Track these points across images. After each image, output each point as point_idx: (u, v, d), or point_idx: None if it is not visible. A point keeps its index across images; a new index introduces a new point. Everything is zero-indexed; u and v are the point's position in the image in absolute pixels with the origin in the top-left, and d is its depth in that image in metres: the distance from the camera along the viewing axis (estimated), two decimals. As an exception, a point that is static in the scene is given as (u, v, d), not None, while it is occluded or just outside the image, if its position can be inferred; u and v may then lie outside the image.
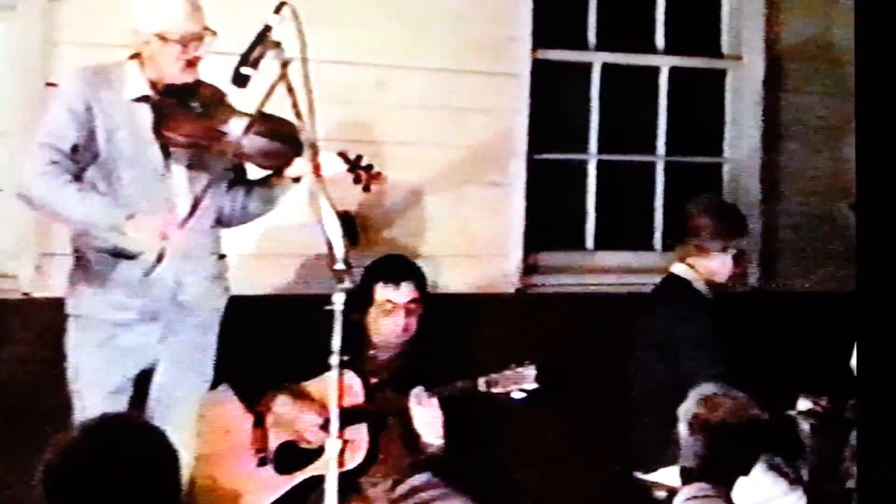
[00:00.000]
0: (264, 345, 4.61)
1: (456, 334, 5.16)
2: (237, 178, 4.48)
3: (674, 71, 6.15)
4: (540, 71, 5.75)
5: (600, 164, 6.06)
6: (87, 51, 4.65)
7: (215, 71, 4.21)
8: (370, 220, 5.32)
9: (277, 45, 3.74)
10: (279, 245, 5.14)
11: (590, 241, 6.05)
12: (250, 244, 5.03)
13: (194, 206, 4.14)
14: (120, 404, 4.27)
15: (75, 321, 4.33)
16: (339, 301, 3.59)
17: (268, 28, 3.75)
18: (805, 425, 4.94)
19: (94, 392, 4.27)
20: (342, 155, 4.48)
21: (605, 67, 6.01)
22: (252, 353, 4.60)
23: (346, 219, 3.83)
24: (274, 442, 4.57)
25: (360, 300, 4.62)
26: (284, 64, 3.74)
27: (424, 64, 5.44)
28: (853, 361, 4.62)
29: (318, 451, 4.40)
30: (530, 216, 5.70)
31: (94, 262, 4.28)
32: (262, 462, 4.54)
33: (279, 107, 3.82)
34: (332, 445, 3.62)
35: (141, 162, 4.25)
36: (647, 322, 5.12)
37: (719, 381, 4.07)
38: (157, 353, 4.37)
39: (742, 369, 4.63)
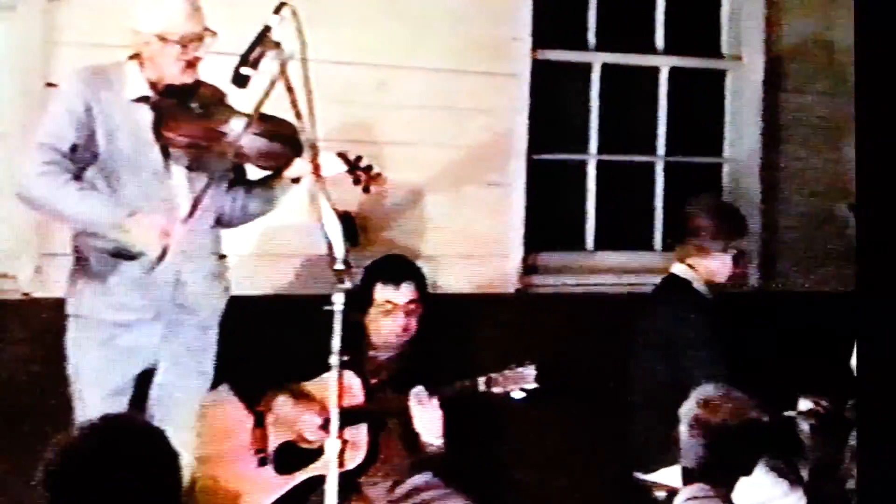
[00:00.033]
0: (264, 345, 4.60)
1: (456, 335, 5.16)
2: (237, 179, 4.48)
3: (674, 71, 6.15)
4: (540, 71, 5.75)
5: (600, 165, 6.06)
6: (87, 51, 4.64)
7: (215, 71, 4.21)
8: (370, 221, 5.32)
9: (277, 45, 3.74)
10: (279, 245, 5.14)
11: (590, 242, 6.05)
12: (250, 244, 5.03)
13: (194, 207, 4.14)
14: (120, 404, 4.27)
15: (75, 321, 4.33)
16: (338, 301, 3.59)
17: (267, 28, 3.75)
18: (805, 426, 4.95)
19: (94, 392, 4.27)
20: (342, 155, 4.48)
21: (605, 68, 6.01)
22: (252, 353, 4.60)
23: (346, 219, 3.82)
24: (274, 442, 4.57)
25: (359, 300, 4.62)
26: (284, 64, 3.74)
27: (424, 64, 5.44)
28: (853, 361, 4.63)
29: (318, 452, 4.40)
30: (530, 216, 5.70)
31: (94, 262, 4.28)
32: (261, 462, 4.54)
33: (279, 107, 3.82)
34: (332, 446, 3.62)
35: (141, 162, 4.25)
36: (646, 322, 5.12)
37: (719, 381, 4.07)
38: (158, 353, 4.37)
39: (742, 369, 4.63)
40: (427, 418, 4.52)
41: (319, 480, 3.92)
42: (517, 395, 4.55)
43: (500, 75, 5.62)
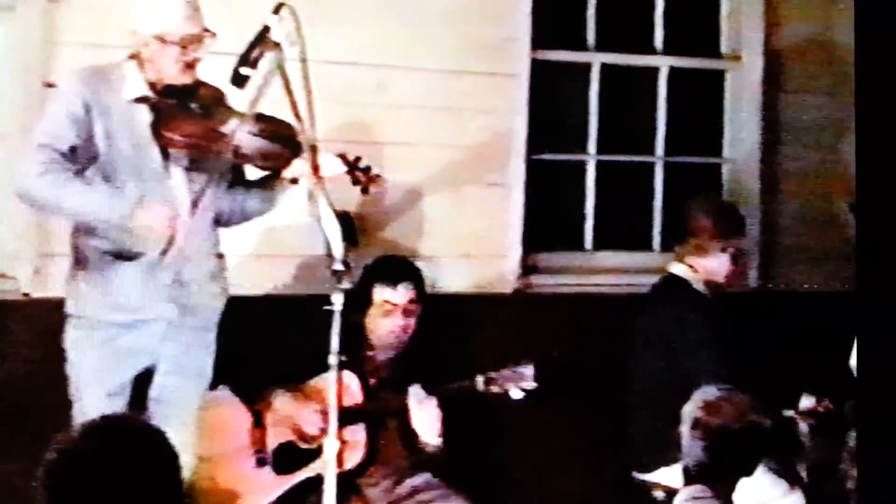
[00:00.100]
0: (263, 345, 4.61)
1: (455, 335, 5.16)
2: (236, 179, 4.48)
3: (673, 71, 6.15)
4: (539, 71, 5.75)
5: (599, 165, 6.05)
6: (87, 51, 4.64)
7: (215, 72, 4.20)
8: (369, 221, 5.32)
9: (276, 45, 3.74)
10: (278, 245, 5.14)
11: (589, 242, 6.05)
12: (249, 244, 5.03)
13: (193, 207, 4.13)
14: (120, 405, 4.27)
15: (75, 322, 4.33)
16: (337, 301, 3.58)
17: (267, 28, 3.75)
18: (804, 426, 4.95)
19: (93, 392, 4.27)
20: (341, 156, 4.49)
21: (604, 68, 6.01)
22: (251, 353, 4.60)
23: (345, 219, 3.82)
24: (273, 442, 4.57)
25: (358, 301, 4.62)
26: (282, 64, 3.74)
27: (423, 64, 5.44)
28: (852, 361, 4.63)
29: (317, 452, 4.39)
30: (529, 216, 5.70)
31: (93, 262, 4.28)
32: (260, 462, 4.54)
33: (278, 108, 3.81)
34: (331, 446, 3.62)
35: (140, 163, 4.24)
36: (645, 322, 5.12)
37: (719, 381, 4.07)
38: (157, 353, 4.37)
39: (742, 369, 4.63)
40: (426, 418, 4.52)
41: (318, 481, 3.90)
42: (515, 394, 4.56)
43: (500, 75, 5.62)
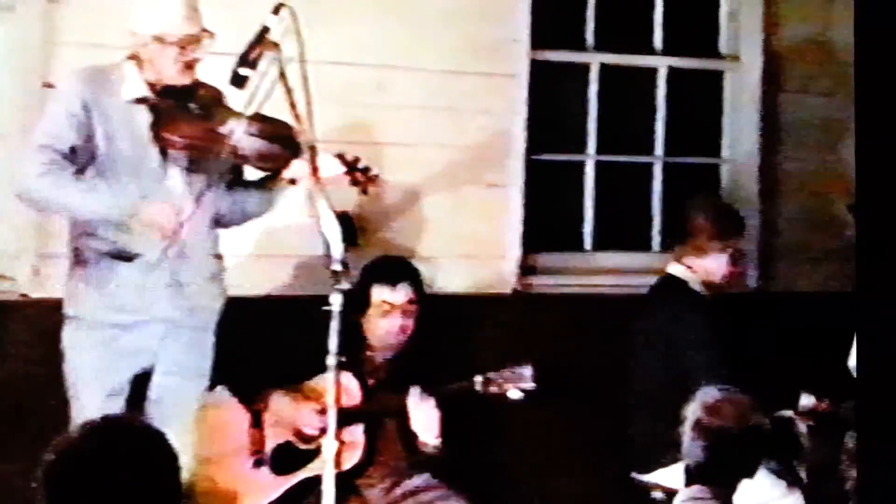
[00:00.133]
0: (262, 346, 4.60)
1: (453, 335, 5.16)
2: (235, 179, 4.48)
3: (672, 72, 6.15)
4: (538, 72, 5.75)
5: (598, 165, 6.05)
6: (86, 52, 4.64)
7: (214, 72, 4.20)
8: (368, 221, 5.32)
9: (275, 45, 3.74)
10: (277, 246, 5.14)
11: (588, 242, 6.05)
12: (248, 245, 5.03)
13: (192, 207, 4.14)
14: (118, 405, 4.27)
15: (73, 323, 4.33)
16: (336, 302, 3.58)
17: (266, 29, 3.75)
18: (803, 427, 4.94)
19: (91, 393, 4.27)
20: (340, 157, 4.48)
21: (604, 68, 6.01)
22: (250, 354, 4.60)
23: (345, 219, 3.82)
24: (271, 443, 4.57)
25: (357, 301, 4.62)
26: (282, 65, 3.74)
27: (423, 65, 5.44)
28: (851, 362, 4.63)
29: (316, 452, 4.39)
30: (528, 217, 5.70)
31: (92, 263, 4.28)
32: (258, 463, 4.54)
33: (278, 108, 3.81)
34: (329, 446, 3.62)
35: (139, 163, 4.24)
36: (644, 323, 5.12)
37: (718, 381, 4.06)
38: (156, 354, 4.36)
39: (741, 370, 4.63)
40: (424, 418, 4.52)
41: (317, 481, 3.91)
42: (514, 395, 4.56)
43: (499, 76, 5.62)
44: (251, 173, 4.48)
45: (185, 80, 4.24)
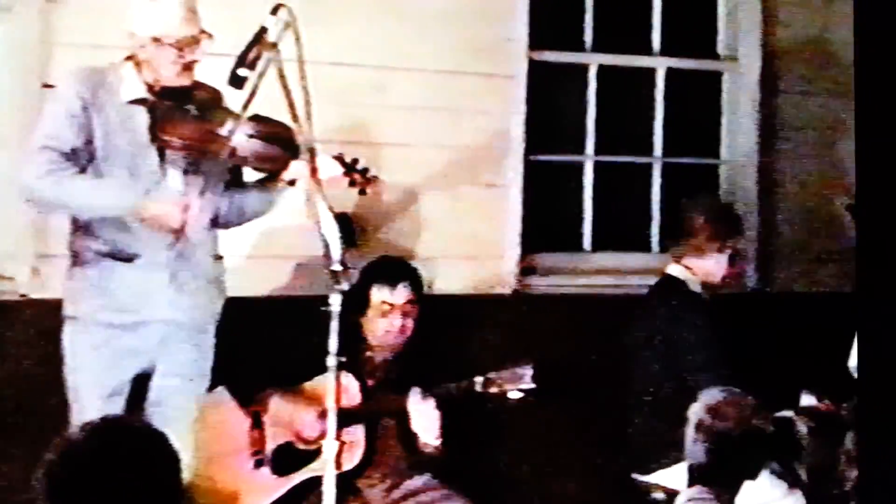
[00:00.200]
0: (261, 346, 4.61)
1: (453, 335, 5.16)
2: (234, 180, 4.48)
3: (670, 72, 6.15)
4: (536, 72, 5.75)
5: (597, 166, 6.05)
6: (85, 52, 4.64)
7: (212, 73, 4.20)
8: (367, 222, 5.32)
9: (274, 46, 3.74)
10: (276, 247, 5.14)
11: (587, 243, 6.05)
12: (247, 246, 5.03)
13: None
14: (118, 406, 4.27)
15: (73, 323, 4.33)
16: (335, 302, 3.58)
17: (264, 29, 3.75)
18: (803, 427, 4.94)
19: (91, 394, 4.27)
20: (338, 158, 4.48)
21: (602, 69, 6.01)
22: (249, 354, 4.60)
23: (343, 220, 3.82)
24: (271, 443, 4.57)
25: (356, 302, 4.62)
26: (280, 65, 3.73)
27: (421, 65, 5.44)
28: (851, 362, 4.63)
29: (316, 453, 4.39)
30: (527, 217, 5.70)
31: (92, 264, 4.27)
32: (258, 464, 4.54)
33: (276, 109, 3.81)
34: (330, 446, 3.62)
35: (138, 164, 4.24)
36: (643, 323, 5.12)
37: (718, 382, 4.06)
38: (155, 355, 4.36)
39: (741, 370, 4.63)
40: (424, 419, 4.52)
41: (317, 482, 3.91)
42: (514, 395, 4.55)
43: (497, 76, 5.62)
44: (250, 174, 4.48)
45: (183, 82, 4.24)
